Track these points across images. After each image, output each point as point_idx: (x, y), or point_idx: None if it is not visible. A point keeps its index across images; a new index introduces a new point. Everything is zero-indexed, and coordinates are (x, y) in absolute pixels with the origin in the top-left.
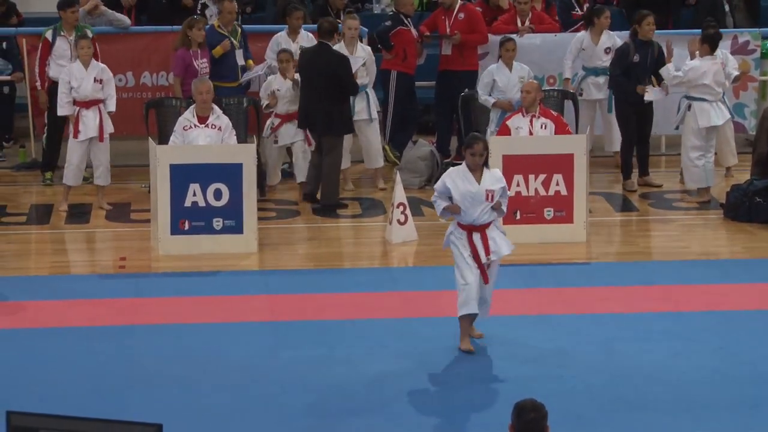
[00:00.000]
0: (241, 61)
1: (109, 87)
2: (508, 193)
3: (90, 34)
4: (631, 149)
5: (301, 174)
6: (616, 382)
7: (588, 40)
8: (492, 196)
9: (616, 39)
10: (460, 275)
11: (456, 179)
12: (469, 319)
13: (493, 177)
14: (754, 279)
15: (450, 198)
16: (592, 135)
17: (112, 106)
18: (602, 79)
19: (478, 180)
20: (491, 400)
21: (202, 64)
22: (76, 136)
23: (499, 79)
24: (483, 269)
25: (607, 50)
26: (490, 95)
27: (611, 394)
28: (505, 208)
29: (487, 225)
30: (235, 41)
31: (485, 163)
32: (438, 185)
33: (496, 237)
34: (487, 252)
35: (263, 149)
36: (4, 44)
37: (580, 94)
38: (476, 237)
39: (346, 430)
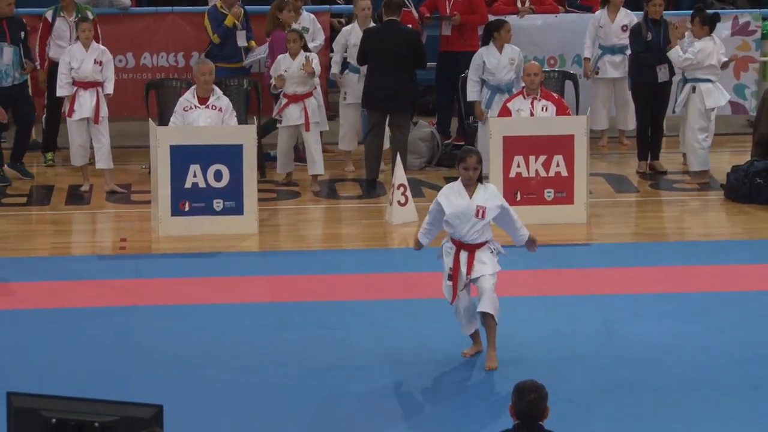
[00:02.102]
0: (243, 42)
1: (108, 69)
2: (507, 206)
3: (91, 16)
4: (646, 131)
5: (313, 166)
6: (617, 363)
7: (605, 18)
8: (483, 212)
9: (633, 17)
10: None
11: (449, 195)
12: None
13: (488, 193)
14: (755, 260)
15: (441, 218)
16: (608, 115)
17: (110, 88)
18: (619, 58)
19: (471, 195)
20: (491, 380)
21: None
22: (70, 115)
23: (488, 61)
24: (455, 286)
25: (623, 28)
26: (481, 77)
27: (611, 375)
28: (525, 234)
29: (479, 246)
30: (237, 22)
31: (480, 179)
32: (432, 206)
33: (485, 259)
34: (469, 271)
35: (279, 137)
36: (23, 33)
37: (596, 73)
38: (463, 256)
39: (347, 410)
